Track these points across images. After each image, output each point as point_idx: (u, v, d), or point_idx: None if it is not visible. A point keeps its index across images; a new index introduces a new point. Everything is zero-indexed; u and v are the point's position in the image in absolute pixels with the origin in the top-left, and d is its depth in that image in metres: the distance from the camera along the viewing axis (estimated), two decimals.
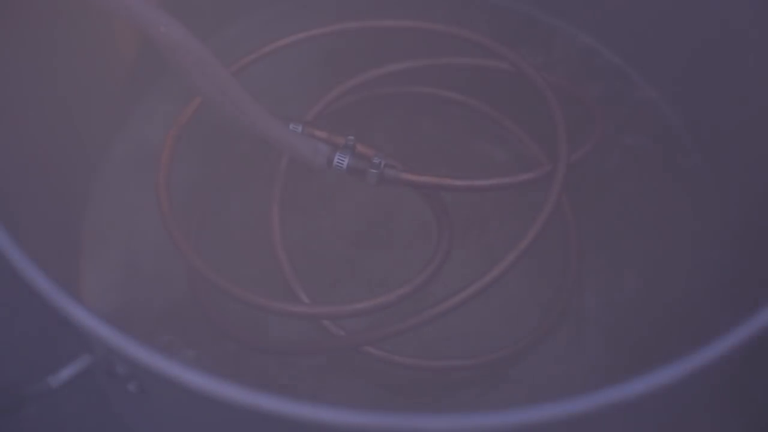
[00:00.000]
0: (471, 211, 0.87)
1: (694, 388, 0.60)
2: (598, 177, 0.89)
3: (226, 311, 0.83)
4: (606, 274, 0.85)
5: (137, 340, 0.50)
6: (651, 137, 0.91)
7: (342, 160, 0.73)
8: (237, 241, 0.86)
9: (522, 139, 0.88)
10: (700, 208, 0.88)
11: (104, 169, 0.89)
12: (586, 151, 0.78)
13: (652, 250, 0.86)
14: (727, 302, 0.84)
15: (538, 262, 0.85)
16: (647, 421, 0.59)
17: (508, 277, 0.74)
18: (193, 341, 0.82)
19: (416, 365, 0.79)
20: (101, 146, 0.89)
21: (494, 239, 0.86)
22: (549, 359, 0.82)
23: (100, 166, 0.89)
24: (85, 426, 1.03)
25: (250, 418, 0.51)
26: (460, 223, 0.86)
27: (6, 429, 1.03)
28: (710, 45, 0.85)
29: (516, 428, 0.47)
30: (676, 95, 0.92)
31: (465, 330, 0.83)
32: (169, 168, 0.78)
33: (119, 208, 0.88)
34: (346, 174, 0.74)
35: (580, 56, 0.95)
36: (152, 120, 0.92)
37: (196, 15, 0.92)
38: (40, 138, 0.77)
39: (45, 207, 0.79)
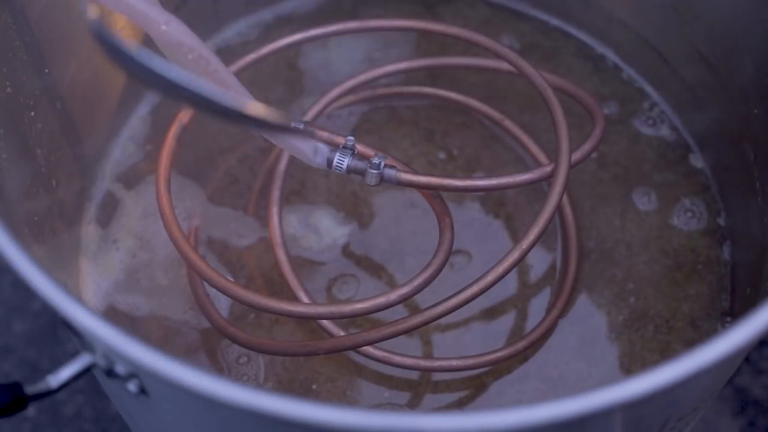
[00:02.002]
0: (471, 211, 0.87)
1: (695, 387, 0.60)
2: (598, 177, 0.89)
3: (225, 311, 0.83)
4: (606, 274, 0.85)
5: (137, 340, 0.50)
6: (652, 137, 0.91)
7: (342, 161, 0.73)
8: (236, 240, 0.86)
9: (522, 139, 0.88)
10: (701, 208, 0.88)
11: (104, 170, 0.89)
12: (587, 151, 0.78)
13: (652, 249, 0.86)
14: (729, 301, 0.84)
15: (538, 262, 0.85)
16: (647, 421, 0.59)
17: (508, 277, 0.74)
18: (192, 339, 0.82)
19: (416, 365, 0.79)
20: (101, 146, 0.89)
21: (495, 239, 0.86)
22: (549, 359, 0.82)
23: (100, 166, 0.89)
24: (85, 426, 1.03)
25: (250, 418, 0.51)
26: (460, 223, 0.86)
27: (6, 429, 1.03)
28: (711, 46, 0.85)
29: (516, 428, 0.47)
30: (678, 95, 0.92)
31: (465, 330, 0.83)
32: (169, 167, 0.78)
33: (119, 208, 0.88)
34: (345, 174, 0.74)
35: (581, 57, 0.95)
36: (152, 120, 0.92)
37: (196, 15, 0.92)
38: (40, 139, 0.77)
39: (45, 207, 0.79)
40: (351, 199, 0.87)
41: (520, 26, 0.97)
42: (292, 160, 0.84)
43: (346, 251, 0.85)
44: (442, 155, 0.90)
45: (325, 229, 0.86)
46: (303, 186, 0.88)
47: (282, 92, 0.93)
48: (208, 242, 0.85)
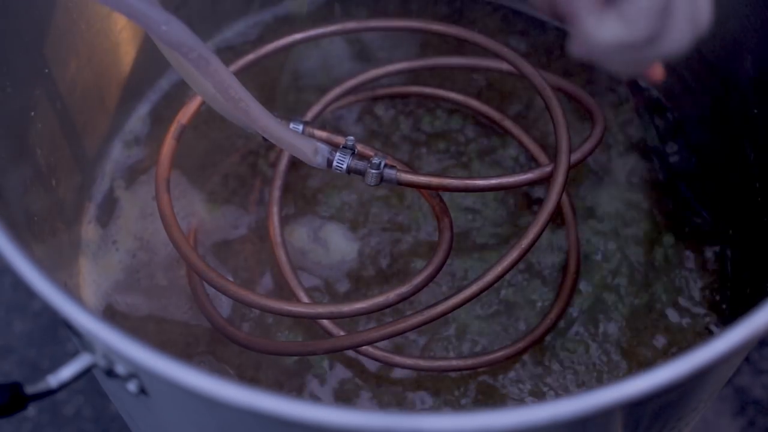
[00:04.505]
0: (471, 211, 0.87)
1: (694, 387, 0.60)
2: (597, 177, 0.89)
3: (225, 311, 0.83)
4: (605, 275, 0.85)
5: (137, 340, 0.50)
6: (650, 137, 0.91)
7: (342, 161, 0.73)
8: (236, 240, 0.86)
9: (522, 139, 0.88)
10: (701, 209, 0.88)
11: (104, 169, 0.89)
12: (587, 152, 0.78)
13: (652, 250, 0.86)
14: (729, 301, 0.84)
15: (537, 262, 0.85)
16: (647, 421, 0.59)
17: (508, 276, 0.74)
18: (192, 339, 0.82)
19: (416, 365, 0.79)
20: (101, 146, 0.89)
21: (495, 239, 0.86)
22: (549, 359, 0.82)
23: (100, 166, 0.89)
24: (85, 426, 1.03)
25: (250, 418, 0.51)
26: (460, 223, 0.86)
27: (6, 429, 1.03)
28: (711, 46, 0.85)
29: (515, 428, 0.47)
30: (678, 95, 0.92)
31: (464, 330, 0.83)
32: (169, 167, 0.78)
33: (118, 209, 0.88)
34: (345, 174, 0.74)
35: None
36: (152, 120, 0.92)
37: (196, 15, 0.92)
38: (40, 139, 0.77)
39: (45, 207, 0.79)
40: (363, 213, 0.87)
41: (523, 25, 0.97)
42: (294, 162, 0.84)
43: (354, 268, 0.85)
44: (441, 155, 0.90)
45: (335, 245, 0.86)
46: (315, 198, 0.87)
47: (281, 92, 0.93)
48: (208, 242, 0.85)
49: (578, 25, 0.53)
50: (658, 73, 0.61)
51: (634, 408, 0.52)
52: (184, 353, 0.81)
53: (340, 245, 0.85)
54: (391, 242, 0.86)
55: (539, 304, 0.84)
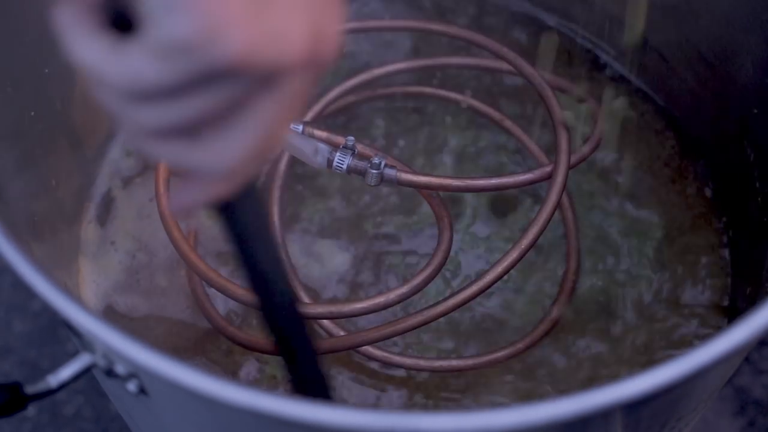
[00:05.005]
0: (471, 210, 0.87)
1: (694, 387, 0.60)
2: (597, 176, 0.89)
3: (224, 311, 0.83)
4: (605, 274, 0.85)
5: (137, 340, 0.50)
6: (651, 137, 0.91)
7: (342, 161, 0.73)
8: None
9: (522, 139, 0.88)
10: (701, 209, 0.88)
11: (103, 170, 0.89)
12: (587, 152, 0.78)
13: (651, 250, 0.86)
14: (729, 301, 0.84)
15: (538, 261, 0.85)
16: (647, 421, 0.59)
17: (508, 276, 0.74)
18: (190, 340, 0.82)
19: (416, 365, 0.79)
20: (100, 146, 0.89)
21: (494, 239, 0.86)
22: (549, 359, 0.82)
23: (100, 166, 0.89)
24: (85, 426, 1.03)
25: (250, 418, 0.51)
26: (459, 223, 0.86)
27: (6, 429, 1.03)
28: (711, 46, 0.85)
29: (515, 428, 0.47)
30: (678, 95, 0.92)
31: (464, 330, 0.83)
32: (169, 168, 0.78)
33: (114, 210, 0.88)
34: (346, 174, 0.74)
35: (582, 56, 0.95)
36: None
37: None
38: (40, 139, 0.77)
39: (45, 207, 0.79)
40: (356, 225, 0.87)
41: (521, 24, 0.97)
42: (294, 163, 0.84)
43: (348, 280, 0.85)
44: (441, 155, 0.90)
45: (328, 257, 0.85)
46: (304, 210, 0.87)
47: None
48: (207, 243, 0.85)
49: (62, 35, 0.40)
50: (177, 203, 0.43)
51: (634, 408, 0.52)
52: (184, 353, 0.81)
53: (333, 257, 0.85)
54: (386, 250, 0.86)
55: (539, 303, 0.83)
